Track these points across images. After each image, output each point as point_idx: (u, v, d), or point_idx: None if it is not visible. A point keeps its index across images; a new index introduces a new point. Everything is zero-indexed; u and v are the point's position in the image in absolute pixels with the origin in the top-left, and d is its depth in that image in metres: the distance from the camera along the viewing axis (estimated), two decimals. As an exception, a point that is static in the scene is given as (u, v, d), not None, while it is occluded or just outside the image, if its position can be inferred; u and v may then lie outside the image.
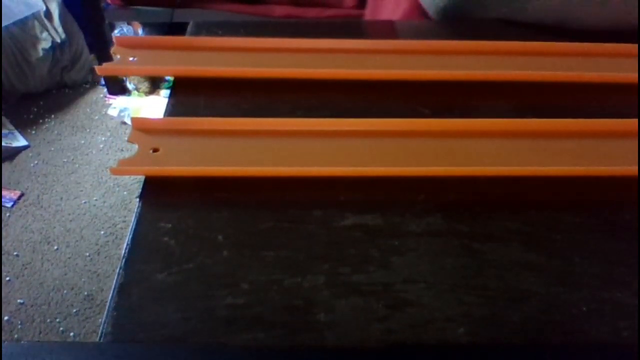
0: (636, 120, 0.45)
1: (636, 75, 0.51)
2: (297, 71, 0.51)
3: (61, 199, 1.47)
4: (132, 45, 0.54)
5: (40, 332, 1.14)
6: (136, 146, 0.42)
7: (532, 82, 0.52)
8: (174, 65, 0.52)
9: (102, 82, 1.90)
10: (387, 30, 0.65)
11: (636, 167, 0.41)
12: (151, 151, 0.42)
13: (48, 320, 1.16)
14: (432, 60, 0.54)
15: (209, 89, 0.50)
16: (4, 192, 1.45)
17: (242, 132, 0.44)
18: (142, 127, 0.44)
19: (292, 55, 0.54)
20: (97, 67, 0.51)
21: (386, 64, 0.53)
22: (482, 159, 0.43)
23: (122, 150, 1.66)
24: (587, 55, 0.56)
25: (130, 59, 0.52)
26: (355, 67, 0.52)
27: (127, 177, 1.51)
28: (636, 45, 0.54)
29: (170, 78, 0.53)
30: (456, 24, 0.66)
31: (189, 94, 0.50)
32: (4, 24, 1.60)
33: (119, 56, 0.52)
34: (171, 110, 0.48)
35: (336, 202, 0.39)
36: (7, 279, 1.24)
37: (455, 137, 0.44)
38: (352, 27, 0.64)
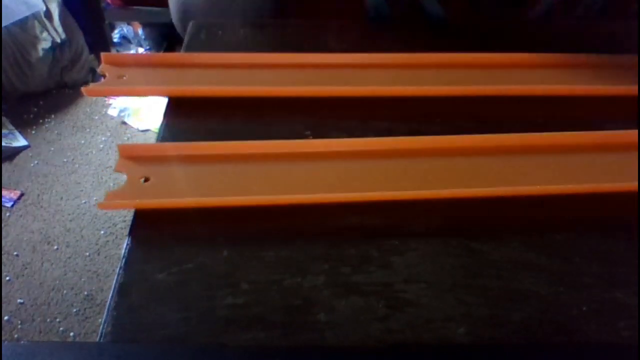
0: (636, 131, 0.45)
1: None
2: (292, 89, 0.48)
3: (61, 199, 1.47)
4: (120, 63, 0.51)
5: (40, 332, 1.14)
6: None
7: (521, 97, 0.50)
8: (165, 85, 0.49)
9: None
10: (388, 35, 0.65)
11: (636, 183, 0.40)
12: (142, 181, 0.39)
13: (48, 320, 1.16)
14: (434, 74, 0.52)
15: (203, 108, 0.48)
16: (4, 192, 1.45)
17: (237, 156, 0.42)
18: (130, 155, 0.41)
19: (285, 71, 0.51)
20: (83, 88, 0.47)
21: (387, 80, 0.50)
22: (486, 178, 0.41)
23: (122, 150, 1.65)
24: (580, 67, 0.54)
25: (123, 77, 0.49)
26: (358, 83, 0.49)
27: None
28: (636, 57, 0.54)
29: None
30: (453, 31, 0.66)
31: (183, 115, 0.47)
32: (4, 24, 1.60)
33: (107, 74, 0.49)
34: (164, 134, 0.46)
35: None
36: (7, 279, 1.24)
37: (458, 155, 0.43)
38: (353, 28, 0.64)
